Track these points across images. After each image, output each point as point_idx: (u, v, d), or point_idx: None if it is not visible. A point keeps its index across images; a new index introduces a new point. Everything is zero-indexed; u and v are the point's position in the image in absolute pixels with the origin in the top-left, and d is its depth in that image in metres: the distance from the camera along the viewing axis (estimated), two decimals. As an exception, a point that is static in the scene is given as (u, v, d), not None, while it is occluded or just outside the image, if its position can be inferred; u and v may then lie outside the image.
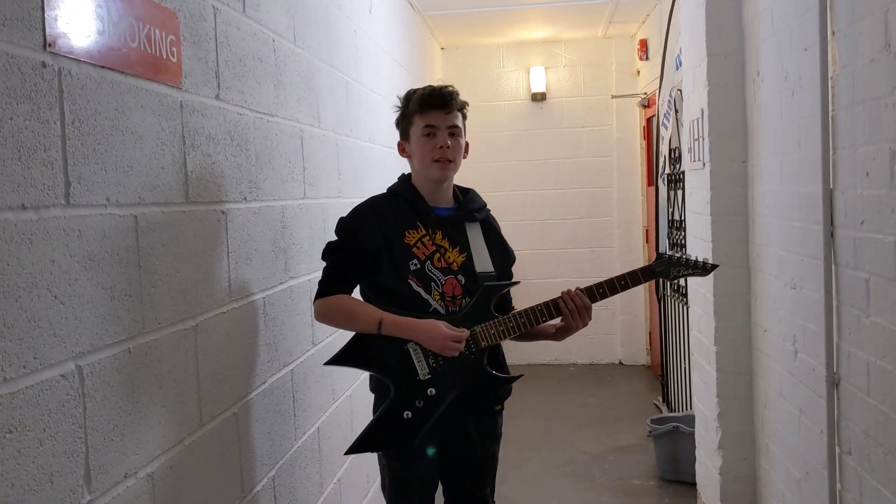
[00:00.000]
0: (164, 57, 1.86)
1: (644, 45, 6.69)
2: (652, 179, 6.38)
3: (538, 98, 7.31)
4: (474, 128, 7.23)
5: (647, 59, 6.65)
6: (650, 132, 6.65)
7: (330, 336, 3.09)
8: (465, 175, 7.45)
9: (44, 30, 1.40)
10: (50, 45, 1.41)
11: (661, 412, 5.56)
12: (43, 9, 1.39)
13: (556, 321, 2.46)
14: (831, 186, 2.30)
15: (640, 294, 7.22)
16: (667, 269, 2.45)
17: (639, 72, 7.08)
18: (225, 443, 2.15)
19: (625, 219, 7.27)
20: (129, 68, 1.68)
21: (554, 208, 7.35)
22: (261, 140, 2.49)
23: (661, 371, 5.84)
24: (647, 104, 6.80)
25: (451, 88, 2.48)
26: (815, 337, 2.44)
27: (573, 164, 7.33)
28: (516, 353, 7.34)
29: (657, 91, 5.69)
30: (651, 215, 6.49)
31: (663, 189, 5.44)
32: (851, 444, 2.24)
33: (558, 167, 7.34)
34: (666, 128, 5.30)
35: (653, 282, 6.16)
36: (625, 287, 2.41)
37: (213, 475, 2.06)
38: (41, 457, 1.36)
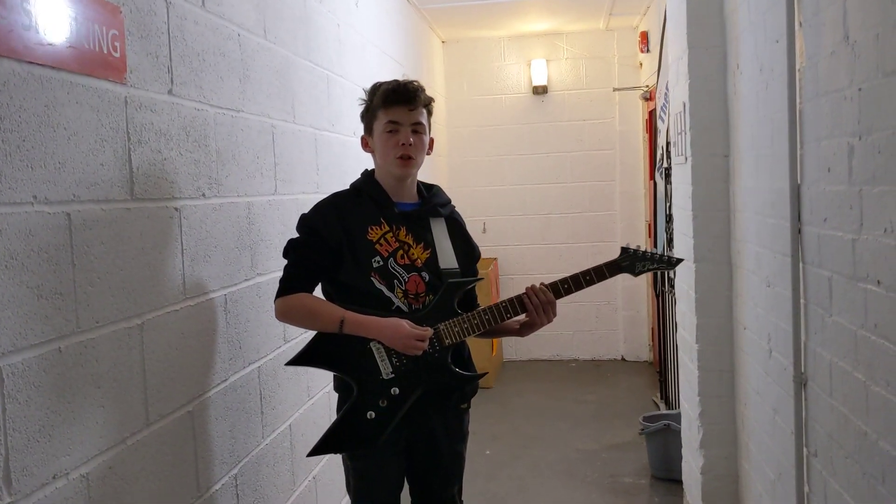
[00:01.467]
0: (105, 52, 1.83)
1: (645, 37, 6.60)
2: (654, 173, 6.30)
3: (540, 91, 7.25)
4: (476, 122, 7.28)
5: (648, 51, 6.57)
6: (653, 125, 6.56)
7: (301, 334, 3.06)
8: (465, 169, 7.44)
9: (-45, 25, 1.37)
10: (-36, 40, 1.38)
11: (660, 409, 5.50)
12: (-45, 3, 1.37)
13: (521, 317, 2.42)
14: (798, 182, 2.24)
15: (642, 289, 7.15)
16: (632, 264, 2.41)
17: (641, 64, 7.00)
18: (177, 442, 2.12)
19: (627, 213, 7.20)
20: (60, 64, 1.65)
21: (556, 202, 7.29)
22: (223, 136, 2.46)
23: (660, 367, 5.78)
24: (649, 97, 6.71)
25: (416, 84, 2.43)
26: (786, 336, 2.39)
27: (575, 157, 7.27)
28: (516, 348, 7.33)
29: (656, 83, 5.62)
30: (653, 209, 6.41)
31: (661, 183, 5.37)
32: (817, 446, 2.19)
33: (560, 161, 7.28)
34: (663, 121, 5.23)
35: (651, 277, 6.10)
36: (590, 282, 2.38)
37: (162, 474, 2.03)
38: (-49, 459, 1.34)
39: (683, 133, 3.28)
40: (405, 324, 2.28)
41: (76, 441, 1.68)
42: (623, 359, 7.33)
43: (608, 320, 7.30)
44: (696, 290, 3.23)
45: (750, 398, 2.94)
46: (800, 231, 2.25)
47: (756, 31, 2.64)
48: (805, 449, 2.28)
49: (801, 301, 2.26)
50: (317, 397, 3.29)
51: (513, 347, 7.33)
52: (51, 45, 1.62)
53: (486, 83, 7.33)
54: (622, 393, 6.32)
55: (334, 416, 3.42)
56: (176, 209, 2.16)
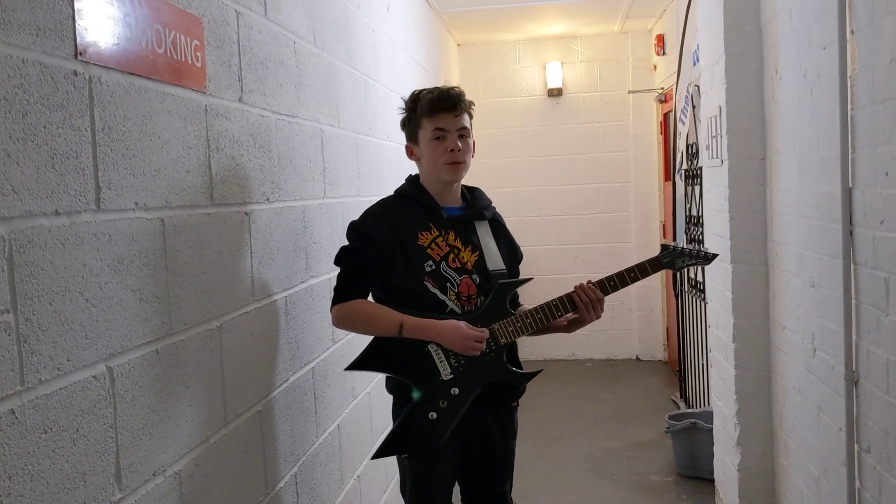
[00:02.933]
0: (189, 62, 1.89)
1: (661, 40, 6.67)
2: (669, 174, 6.37)
3: (554, 93, 7.31)
4: (491, 124, 7.33)
5: (663, 54, 6.64)
6: (667, 127, 6.63)
7: (349, 334, 3.12)
8: (481, 171, 7.51)
9: (75, 39, 1.43)
10: (81, 53, 1.44)
11: (679, 408, 5.57)
12: (74, 19, 1.42)
13: (569, 314, 2.48)
14: (850, 185, 2.31)
15: (656, 290, 7.22)
16: (672, 260, 2.49)
17: (655, 67, 7.07)
18: (249, 440, 2.18)
19: (642, 214, 7.27)
20: (155, 74, 1.71)
21: (570, 204, 7.35)
22: (282, 141, 2.52)
23: (679, 367, 5.84)
24: (663, 99, 6.79)
25: (458, 90, 2.50)
26: (834, 335, 2.45)
27: (590, 159, 7.33)
28: (531, 348, 7.38)
29: (674, 86, 5.69)
30: (668, 210, 6.48)
31: (680, 184, 5.44)
32: (870, 442, 2.25)
33: (575, 163, 7.34)
34: (683, 123, 5.30)
35: (670, 278, 6.17)
36: (634, 279, 2.47)
37: (237, 472, 2.09)
38: (74, 456, 1.39)
39: (719, 136, 3.35)
40: (463, 325, 2.34)
41: (171, 439, 1.74)
42: (638, 358, 7.40)
43: (622, 320, 7.36)
44: (732, 291, 3.30)
45: (790, 396, 3.01)
46: (851, 233, 2.31)
47: (799, 37, 2.70)
48: (856, 445, 2.35)
49: (853, 301, 2.32)
50: (360, 397, 3.35)
51: (528, 348, 7.37)
52: (147, 56, 1.68)
53: (502, 86, 7.39)
54: (639, 392, 6.38)
55: (374, 417, 3.51)
56: (246, 213, 2.21)
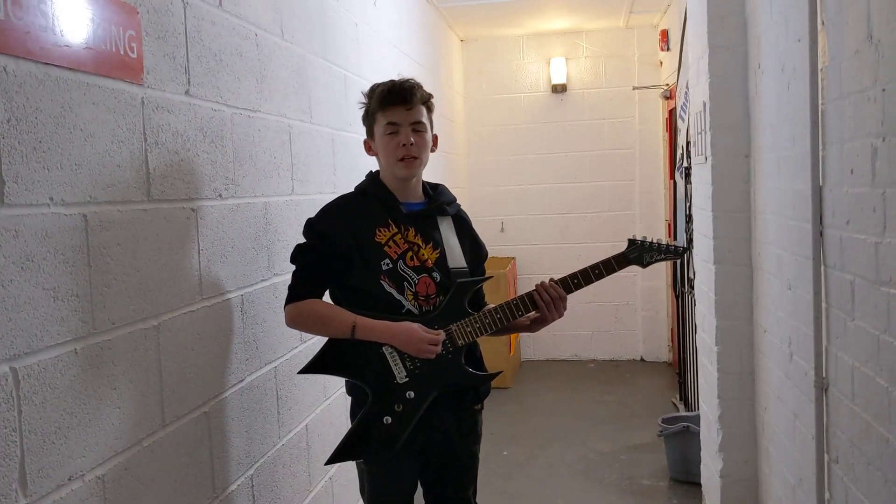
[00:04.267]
0: (122, 53, 1.83)
1: (665, 35, 6.55)
2: (673, 172, 6.26)
3: (559, 90, 7.21)
4: (495, 121, 7.25)
5: (668, 49, 6.52)
6: (672, 124, 6.51)
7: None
8: (484, 168, 7.42)
9: (-27, 27, 1.37)
10: (-20, 42, 1.38)
11: (679, 410, 5.47)
12: (-28, 5, 1.37)
13: (532, 313, 2.40)
14: (820, 184, 2.21)
15: (662, 290, 7.10)
16: (640, 255, 2.41)
17: (661, 62, 6.95)
18: (193, 443, 2.12)
19: (647, 212, 7.15)
20: (77, 65, 1.65)
21: (574, 202, 7.25)
22: (240, 136, 2.46)
23: (679, 369, 5.73)
24: (669, 95, 6.67)
25: (412, 82, 2.41)
26: (807, 340, 2.35)
27: (594, 156, 7.23)
28: (534, 348, 7.30)
29: (676, 82, 5.57)
30: (672, 208, 6.37)
31: (681, 182, 5.33)
32: (839, 452, 2.15)
33: (579, 160, 7.24)
34: (683, 120, 5.19)
35: (671, 278, 6.06)
36: (599, 276, 2.38)
37: (178, 475, 2.04)
38: (-34, 461, 1.34)
39: (704, 132, 3.25)
40: (417, 328, 2.26)
41: (92, 442, 1.68)
42: (642, 359, 7.28)
43: (627, 321, 7.25)
44: (715, 292, 3.20)
45: (770, 402, 2.91)
46: (822, 233, 2.21)
47: (778, 30, 2.60)
48: (826, 455, 2.25)
49: (823, 305, 2.23)
50: (333, 397, 3.29)
51: (531, 348, 7.30)
52: (67, 46, 1.62)
53: (505, 82, 7.30)
54: (641, 394, 6.28)
55: (348, 420, 3.44)
56: (193, 210, 2.15)
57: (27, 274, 1.50)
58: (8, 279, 1.45)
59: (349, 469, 3.39)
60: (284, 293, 2.72)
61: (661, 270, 6.95)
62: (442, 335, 2.28)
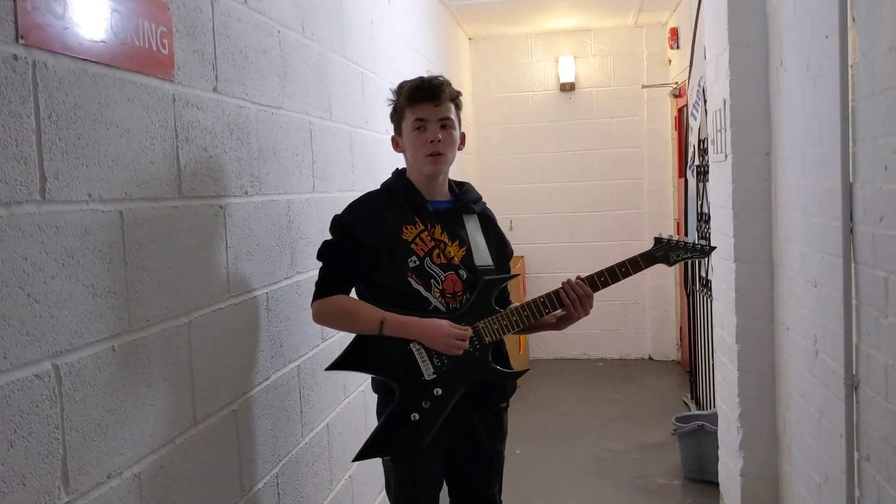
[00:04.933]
0: (154, 49, 1.82)
1: (675, 33, 6.55)
2: (683, 171, 6.25)
3: (567, 88, 7.20)
4: (503, 119, 7.25)
5: (678, 47, 6.51)
6: (681, 122, 6.51)
7: (340, 333, 3.04)
8: (493, 167, 7.42)
9: (16, 21, 1.36)
10: (23, 37, 1.38)
11: (690, 409, 5.46)
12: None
13: (558, 311, 2.40)
14: (851, 181, 2.20)
15: (670, 289, 7.10)
16: (666, 254, 2.39)
17: (670, 61, 6.95)
18: (222, 441, 2.12)
19: (656, 211, 7.15)
20: (113, 61, 1.65)
21: (583, 200, 7.25)
22: (264, 133, 2.45)
23: (690, 367, 5.73)
24: (678, 94, 6.67)
25: (441, 79, 2.41)
26: (835, 337, 2.34)
27: (603, 155, 7.22)
28: (542, 347, 7.29)
29: (687, 80, 5.56)
30: (682, 207, 6.36)
31: (692, 181, 5.32)
32: (870, 450, 2.14)
33: (588, 159, 7.23)
34: (695, 118, 5.18)
35: (682, 276, 6.05)
36: (626, 274, 2.36)
37: (208, 474, 2.03)
38: (11, 459, 1.33)
39: (723, 130, 3.24)
40: (445, 324, 2.26)
41: (129, 440, 1.68)
42: (651, 358, 7.28)
43: (636, 319, 7.25)
44: (736, 290, 3.19)
45: (793, 400, 2.90)
46: (852, 230, 2.20)
47: (802, 27, 2.59)
48: (856, 452, 2.24)
49: (853, 302, 2.22)
50: (352, 396, 3.28)
51: (540, 346, 7.29)
52: (103, 42, 1.61)
53: (514, 80, 7.29)
54: (650, 393, 6.27)
55: (369, 416, 3.44)
56: (221, 207, 2.15)
57: (68, 270, 1.49)
58: (50, 276, 1.44)
59: (368, 468, 3.39)
60: (307, 291, 2.73)
61: (670, 270, 6.94)
62: (469, 331, 2.27)
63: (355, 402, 3.31)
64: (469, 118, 7.10)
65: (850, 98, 2.17)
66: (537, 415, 5.75)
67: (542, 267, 7.09)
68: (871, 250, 2.07)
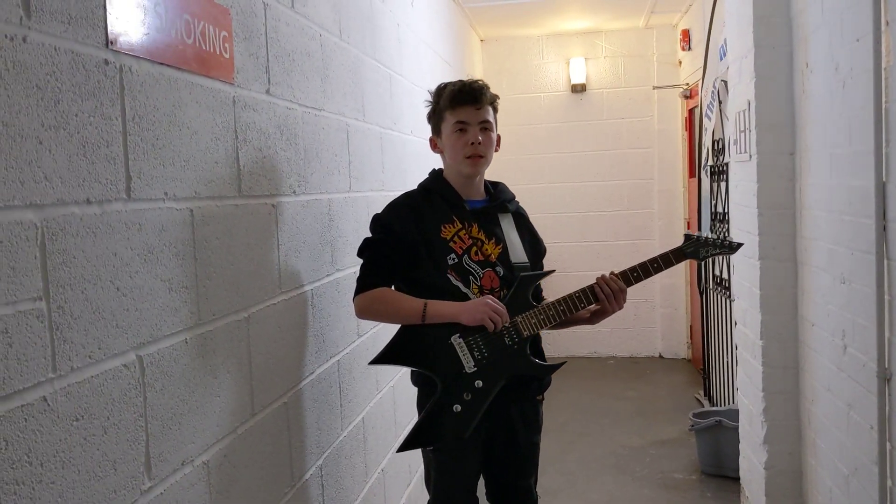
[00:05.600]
0: (218, 53, 1.89)
1: (686, 35, 6.61)
2: (694, 171, 6.32)
3: (578, 89, 7.27)
4: (514, 120, 7.31)
5: (689, 49, 6.58)
6: (692, 123, 6.58)
7: (374, 328, 3.12)
8: (504, 167, 7.49)
9: (106, 28, 1.43)
10: (112, 42, 1.44)
11: (703, 406, 5.53)
12: (105, 8, 1.42)
13: (592, 306, 2.47)
14: (884, 180, 2.27)
15: (680, 287, 7.17)
16: (696, 250, 2.46)
17: (681, 62, 7.01)
18: (275, 432, 2.18)
19: (666, 211, 7.21)
20: (184, 64, 1.71)
21: (594, 201, 7.31)
22: (309, 134, 2.52)
23: (703, 365, 5.80)
24: (688, 95, 6.73)
25: (481, 83, 2.49)
26: (866, 332, 2.41)
27: (613, 155, 7.29)
28: (553, 345, 7.35)
29: (700, 82, 5.63)
30: (693, 207, 6.43)
31: (706, 181, 5.39)
32: (903, 441, 2.21)
33: (598, 159, 7.30)
34: (709, 119, 5.25)
35: (694, 275, 6.12)
36: (658, 269, 2.44)
37: (264, 464, 2.09)
38: (105, 444, 1.40)
39: (748, 131, 3.31)
40: (486, 297, 2.33)
41: (199, 429, 1.74)
42: (661, 356, 7.35)
43: (646, 317, 7.32)
44: (760, 287, 3.26)
45: (818, 394, 2.97)
46: (885, 228, 2.27)
47: (831, 29, 2.66)
48: (888, 443, 2.31)
49: (886, 297, 2.29)
50: (384, 391, 3.35)
51: (551, 345, 7.30)
52: (176, 46, 1.68)
53: (525, 81, 7.36)
54: (662, 390, 6.34)
55: (398, 411, 3.51)
56: (273, 206, 2.21)
57: (148, 266, 1.56)
58: (134, 270, 1.51)
59: (397, 462, 3.46)
60: (345, 287, 2.80)
61: (680, 268, 7.01)
62: (505, 310, 2.33)
63: (385, 397, 3.37)
64: (481, 119, 7.14)
65: (884, 99, 2.24)
66: (553, 412, 5.79)
67: (554, 266, 7.06)
68: (905, 247, 2.14)
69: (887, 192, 2.25)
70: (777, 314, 3.24)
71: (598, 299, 2.46)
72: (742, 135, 3.43)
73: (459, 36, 6.17)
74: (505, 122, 7.24)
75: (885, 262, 2.28)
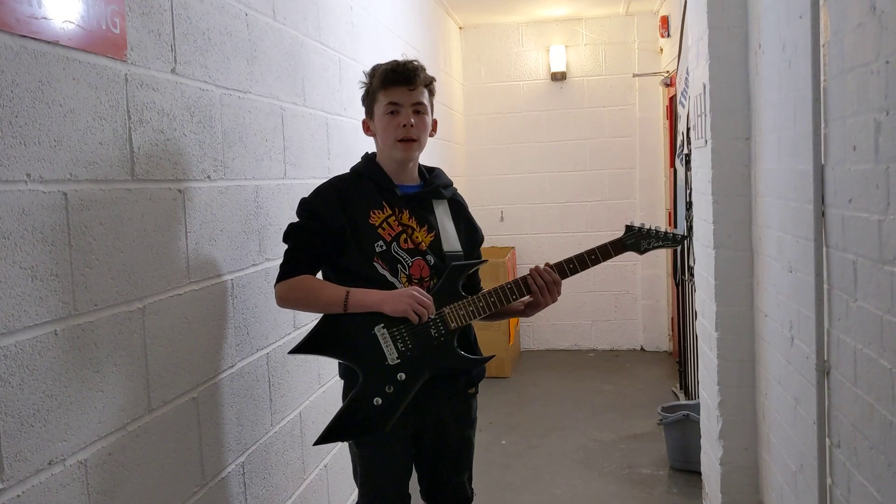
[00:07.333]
0: (104, 28, 1.78)
1: (666, 21, 6.49)
2: (673, 159, 6.20)
3: (558, 77, 7.15)
4: (493, 108, 7.19)
5: (668, 36, 6.46)
6: (673, 111, 6.46)
7: (312, 320, 3.00)
8: (481, 157, 7.37)
9: (-58, -5, 1.32)
10: (-50, 11, 1.34)
11: (679, 399, 5.42)
12: (-59, -27, 1.32)
13: (526, 298, 2.36)
14: (822, 162, 2.16)
15: (662, 279, 7.05)
16: (636, 242, 2.37)
17: (661, 49, 6.89)
18: (181, 428, 2.08)
19: (647, 200, 7.09)
20: (56, 39, 1.61)
21: (574, 190, 7.20)
22: (230, 117, 2.41)
23: (679, 357, 5.69)
24: (669, 82, 6.60)
25: (416, 63, 2.37)
26: (808, 323, 2.30)
27: (594, 144, 7.17)
28: (534, 338, 7.26)
29: (676, 69, 5.51)
30: (672, 196, 6.31)
31: (681, 169, 5.27)
32: (840, 437, 2.11)
33: (579, 148, 7.18)
34: (683, 106, 5.13)
35: (671, 266, 6.01)
36: (595, 261, 2.33)
37: (165, 461, 1.99)
38: (-62, 443, 1.30)
39: (703, 115, 3.20)
40: (412, 288, 2.23)
41: (73, 426, 1.64)
42: (642, 349, 7.24)
43: (627, 310, 7.20)
44: (715, 277, 3.15)
45: (771, 388, 2.86)
46: (823, 214, 2.16)
47: (779, 8, 2.55)
48: (828, 440, 2.21)
49: (825, 286, 2.18)
50: (328, 385, 3.25)
51: (530, 337, 7.26)
52: (46, 19, 1.58)
53: (504, 69, 7.24)
54: (641, 383, 6.23)
55: (341, 403, 3.40)
56: (179, 191, 2.11)
57: (2, 252, 1.46)
58: (-18, 257, 1.41)
59: (344, 458, 3.35)
60: (276, 277, 2.69)
61: (662, 259, 6.91)
62: (431, 301, 2.23)
63: (331, 390, 3.27)
64: (459, 107, 7.05)
65: (822, 78, 2.13)
66: (525, 406, 5.71)
67: (533, 258, 7.04)
68: (841, 233, 2.03)
69: (826, 175, 2.14)
70: (732, 305, 3.13)
71: (531, 291, 2.36)
72: (699, 119, 3.32)
73: (433, 23, 6.05)
74: (484, 110, 7.25)
75: (824, 249, 2.17)
